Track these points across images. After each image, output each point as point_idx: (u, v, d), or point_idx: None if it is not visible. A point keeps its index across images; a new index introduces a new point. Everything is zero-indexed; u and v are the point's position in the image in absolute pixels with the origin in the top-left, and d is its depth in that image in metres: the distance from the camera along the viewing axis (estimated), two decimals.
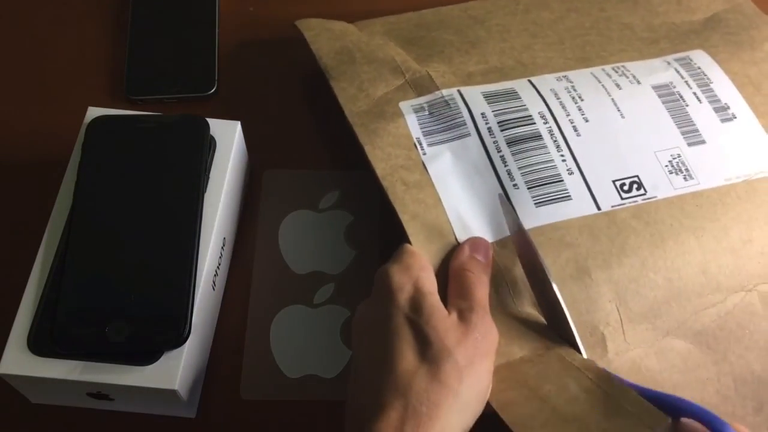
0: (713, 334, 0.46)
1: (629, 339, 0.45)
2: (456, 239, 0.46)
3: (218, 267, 0.48)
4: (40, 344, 0.42)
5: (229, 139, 0.50)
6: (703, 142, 0.50)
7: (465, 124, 0.50)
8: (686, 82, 0.53)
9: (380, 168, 0.47)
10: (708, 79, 0.53)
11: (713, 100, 0.52)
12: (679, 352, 0.45)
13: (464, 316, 0.40)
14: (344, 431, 0.39)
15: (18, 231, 0.50)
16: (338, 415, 0.46)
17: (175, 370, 0.42)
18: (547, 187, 0.48)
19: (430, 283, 0.42)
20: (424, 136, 0.50)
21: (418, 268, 0.42)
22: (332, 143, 0.57)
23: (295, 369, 0.48)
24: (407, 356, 0.38)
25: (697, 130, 0.50)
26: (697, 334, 0.46)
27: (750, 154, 0.50)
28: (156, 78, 0.58)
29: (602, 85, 0.52)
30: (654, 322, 0.45)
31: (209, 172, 0.48)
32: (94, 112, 0.50)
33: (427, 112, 0.51)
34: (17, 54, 0.60)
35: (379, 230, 0.53)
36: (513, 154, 0.49)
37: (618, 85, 0.52)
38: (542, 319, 0.44)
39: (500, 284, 0.45)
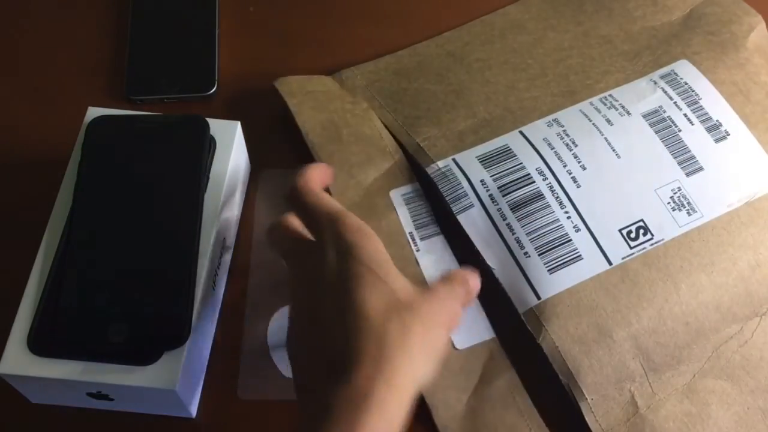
0: (740, 365, 0.46)
1: (656, 390, 0.45)
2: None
3: (218, 267, 0.48)
4: (40, 344, 0.42)
5: (229, 139, 0.50)
6: (701, 169, 0.49)
7: (467, 194, 0.49)
8: (675, 103, 0.52)
9: None
10: (696, 95, 0.52)
11: (705, 118, 0.51)
12: (712, 390, 0.45)
13: None
14: None
15: (18, 231, 0.50)
16: None
17: (175, 370, 0.42)
18: (557, 250, 0.47)
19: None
20: (417, 229, 0.50)
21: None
22: None
23: None
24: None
25: (693, 157, 0.50)
26: (723, 368, 0.46)
27: (747, 173, 0.50)
28: (156, 78, 0.58)
29: (593, 124, 0.51)
30: (678, 368, 0.46)
31: (209, 172, 0.48)
32: (94, 112, 0.50)
33: (421, 202, 0.50)
34: (17, 54, 0.60)
35: None
36: (519, 220, 0.48)
37: (609, 121, 0.51)
38: None
39: None
